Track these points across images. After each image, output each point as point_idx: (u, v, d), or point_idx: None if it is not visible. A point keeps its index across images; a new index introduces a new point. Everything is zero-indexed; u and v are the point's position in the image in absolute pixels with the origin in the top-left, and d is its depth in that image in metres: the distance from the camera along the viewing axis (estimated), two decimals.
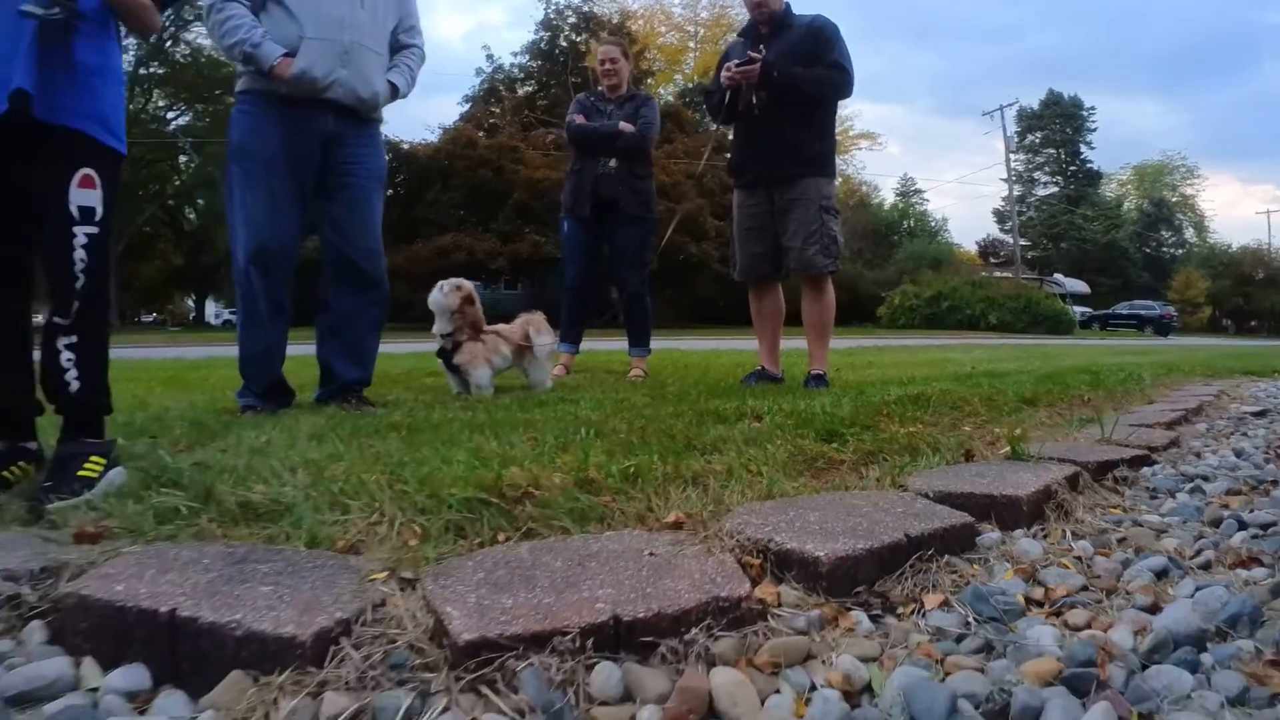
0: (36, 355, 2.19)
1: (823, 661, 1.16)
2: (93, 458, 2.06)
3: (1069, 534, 1.80)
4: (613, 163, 5.31)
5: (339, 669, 1.06)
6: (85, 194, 2.11)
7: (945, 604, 1.37)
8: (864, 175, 53.39)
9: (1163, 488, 2.35)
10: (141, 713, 1.07)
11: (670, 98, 40.99)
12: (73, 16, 2.06)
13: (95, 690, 1.11)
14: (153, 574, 1.30)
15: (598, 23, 38.10)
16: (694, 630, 1.15)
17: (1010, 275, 38.04)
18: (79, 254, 2.09)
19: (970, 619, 1.31)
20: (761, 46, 4.29)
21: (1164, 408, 3.93)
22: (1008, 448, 2.50)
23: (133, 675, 1.13)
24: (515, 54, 40.01)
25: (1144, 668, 1.17)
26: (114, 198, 2.20)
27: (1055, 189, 61.47)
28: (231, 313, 47.30)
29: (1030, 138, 62.35)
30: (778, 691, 1.09)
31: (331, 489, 1.79)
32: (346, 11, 3.40)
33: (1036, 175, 62.98)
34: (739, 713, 1.01)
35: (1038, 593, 1.45)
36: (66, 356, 2.11)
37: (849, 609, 1.33)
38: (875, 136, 51.58)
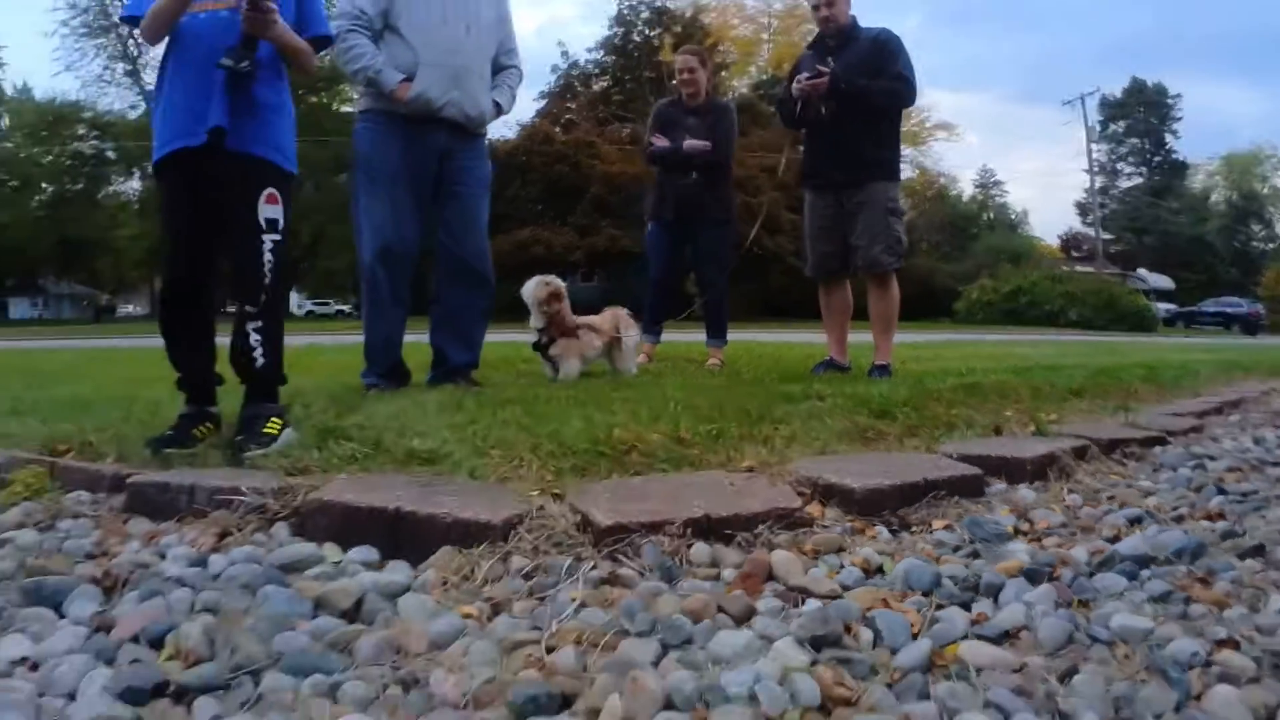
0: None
1: (849, 552, 1.65)
2: (273, 419, 2.62)
3: (1065, 490, 2.23)
4: (694, 175, 5.79)
5: (519, 544, 1.59)
6: (270, 209, 2.67)
7: (948, 527, 1.84)
8: (941, 167, 52.70)
9: (1168, 464, 2.63)
10: (350, 614, 1.59)
11: (745, 90, 41.31)
12: (255, 66, 2.62)
13: (339, 563, 1.64)
14: (367, 489, 1.85)
15: (671, 17, 38.62)
16: (760, 527, 1.66)
17: (1092, 270, 37.34)
18: (267, 257, 2.65)
19: (966, 538, 1.78)
20: (830, 59, 4.69)
21: (1206, 401, 4.17)
22: (1033, 426, 2.93)
23: (366, 553, 1.66)
24: (590, 50, 40.81)
25: (1091, 575, 1.61)
26: (290, 210, 2.78)
27: (1139, 180, 59.54)
28: (315, 304, 49.11)
29: (1113, 127, 60.43)
30: (816, 565, 1.58)
31: (475, 442, 2.32)
32: (456, 39, 3.93)
33: (1120, 166, 61.04)
34: (789, 577, 1.50)
35: (1025, 526, 1.91)
36: (255, 338, 2.69)
37: (874, 525, 1.82)
38: (953, 127, 50.75)
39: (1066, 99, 63.17)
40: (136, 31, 2.75)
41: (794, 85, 4.75)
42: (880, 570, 1.58)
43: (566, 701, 1.09)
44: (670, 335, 6.72)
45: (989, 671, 1.18)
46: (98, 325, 34.43)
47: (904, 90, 4.72)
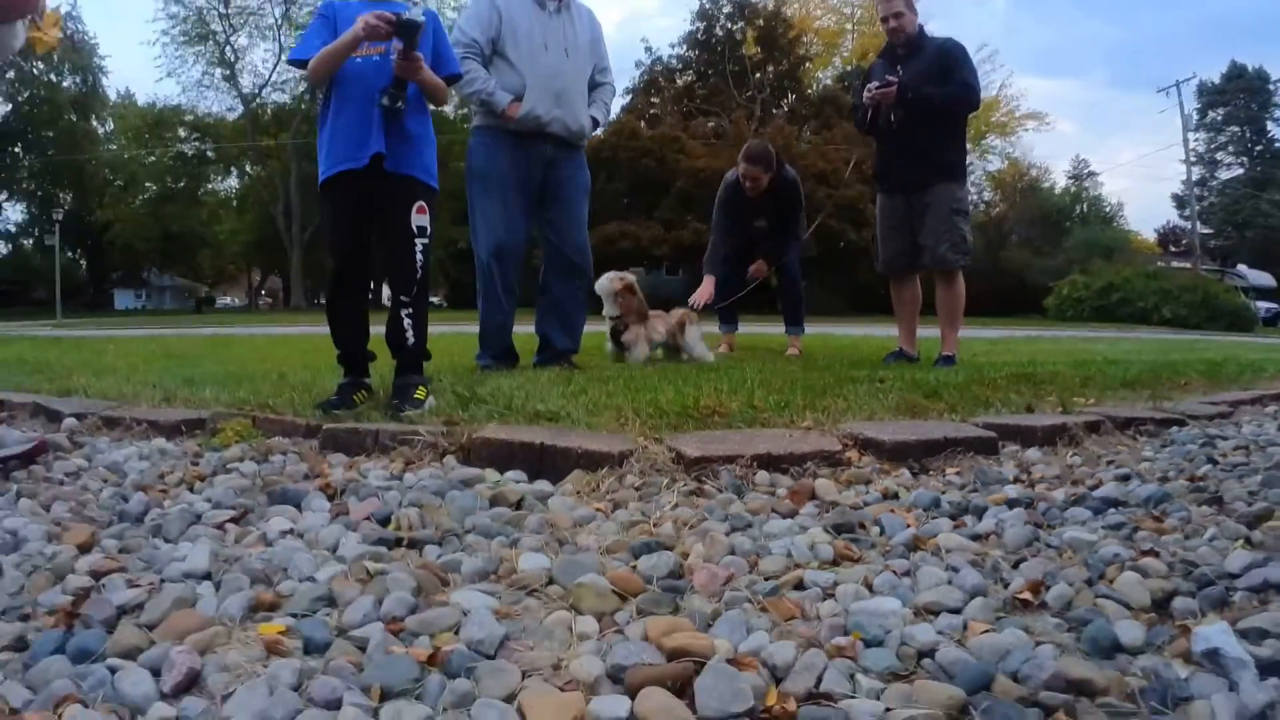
0: None
1: (874, 483, 2.22)
2: (420, 387, 3.28)
3: (1070, 454, 2.72)
4: (762, 222, 6.42)
5: (630, 469, 2.20)
6: (420, 218, 3.33)
7: (959, 472, 2.38)
8: (1033, 157, 51.82)
9: (1178, 440, 2.85)
10: (517, 504, 2.19)
11: (829, 82, 41.45)
12: (405, 103, 3.27)
13: (499, 480, 2.26)
14: (514, 432, 2.48)
15: (753, 11, 38.94)
16: (808, 463, 2.25)
17: (1189, 266, 36.38)
18: (418, 257, 3.31)
19: (970, 480, 2.31)
20: (899, 68, 5.17)
21: (1250, 393, 4.28)
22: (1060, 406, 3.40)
23: (518, 474, 2.29)
24: (673, 45, 41.35)
25: (1064, 509, 2.11)
26: (434, 219, 3.42)
27: (1239, 171, 56.44)
28: None
29: (1211, 115, 57.46)
30: (848, 490, 2.15)
31: (588, 405, 2.94)
32: (557, 63, 4.58)
33: (1219, 156, 57.83)
34: (826, 496, 2.07)
35: (1024, 476, 2.41)
36: (407, 321, 3.34)
37: (899, 467, 2.38)
38: (1043, 116, 49.72)
39: (1161, 86, 60.93)
40: (302, 71, 3.43)
41: (865, 93, 5.26)
42: (895, 495, 2.14)
43: (667, 549, 1.68)
44: (754, 328, 7.28)
45: (956, 552, 1.72)
46: (199, 315, 36.45)
47: (967, 96, 5.19)
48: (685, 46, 40.55)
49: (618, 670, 1.20)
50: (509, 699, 1.13)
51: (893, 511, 1.96)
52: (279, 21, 41.12)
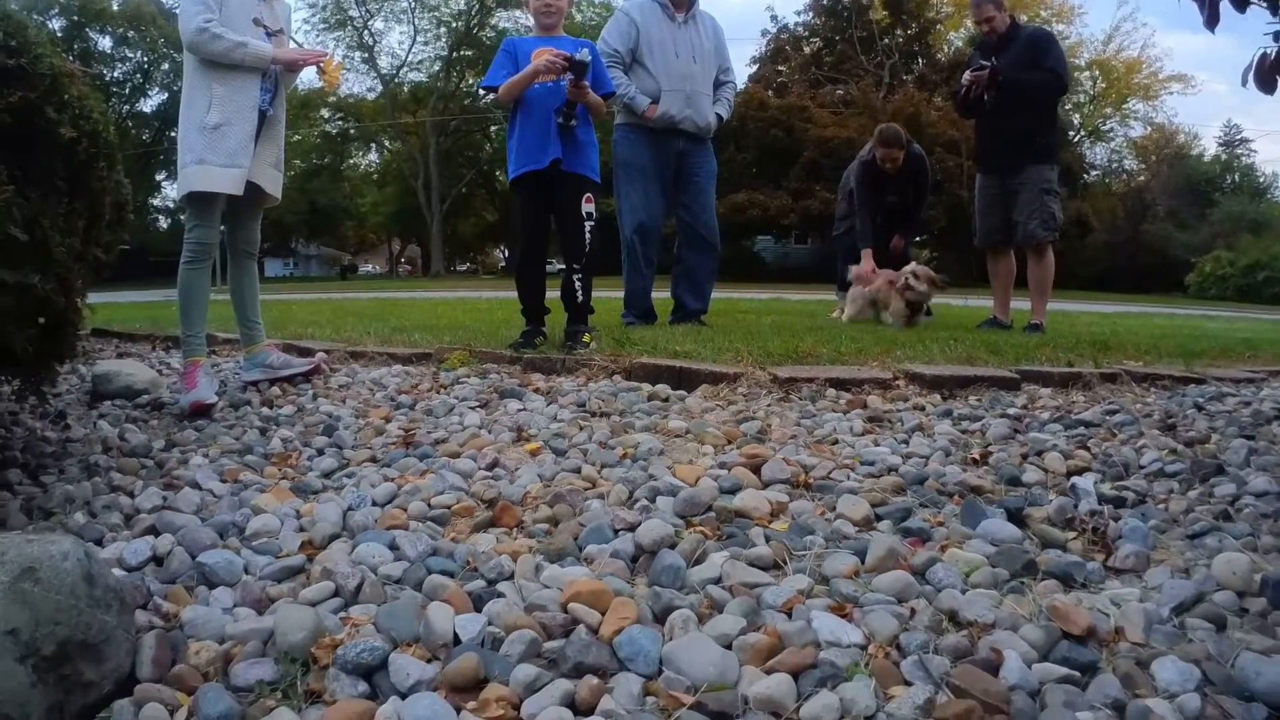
0: None
1: (911, 401, 3.20)
2: (586, 334, 4.39)
3: (1079, 394, 3.59)
4: (894, 196, 7.28)
5: (740, 384, 3.27)
6: (588, 206, 4.42)
7: (979, 399, 3.33)
8: (1179, 122, 49.23)
9: (1191, 395, 3.25)
10: (665, 399, 3.28)
11: (960, 44, 40.85)
12: (575, 120, 4.34)
13: (650, 391, 3.34)
14: (661, 359, 3.58)
15: None
16: (865, 386, 3.26)
17: None
18: (587, 235, 4.40)
19: (986, 404, 3.27)
20: (994, 57, 5.86)
21: None
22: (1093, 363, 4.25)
23: (663, 387, 3.36)
24: (799, 12, 41.28)
25: (1043, 425, 3.01)
26: (595, 205, 4.52)
27: None
28: None
29: None
30: (891, 404, 3.15)
31: (714, 349, 4.00)
32: (687, 69, 5.63)
33: None
34: (878, 407, 3.07)
35: (1029, 405, 3.34)
36: (577, 284, 4.45)
37: (934, 393, 3.35)
38: (1188, 78, 47.37)
39: None
40: (491, 96, 4.56)
41: (962, 78, 6.03)
42: (922, 409, 3.12)
43: (765, 428, 2.73)
44: None
45: (943, 435, 2.71)
46: (345, 281, 39.12)
47: (1055, 82, 5.82)
48: (811, 13, 40.50)
49: (722, 464, 2.30)
50: (668, 469, 2.23)
51: (913, 412, 2.97)
52: (412, 5, 43.38)
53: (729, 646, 1.37)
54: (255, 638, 1.44)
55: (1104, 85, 44.46)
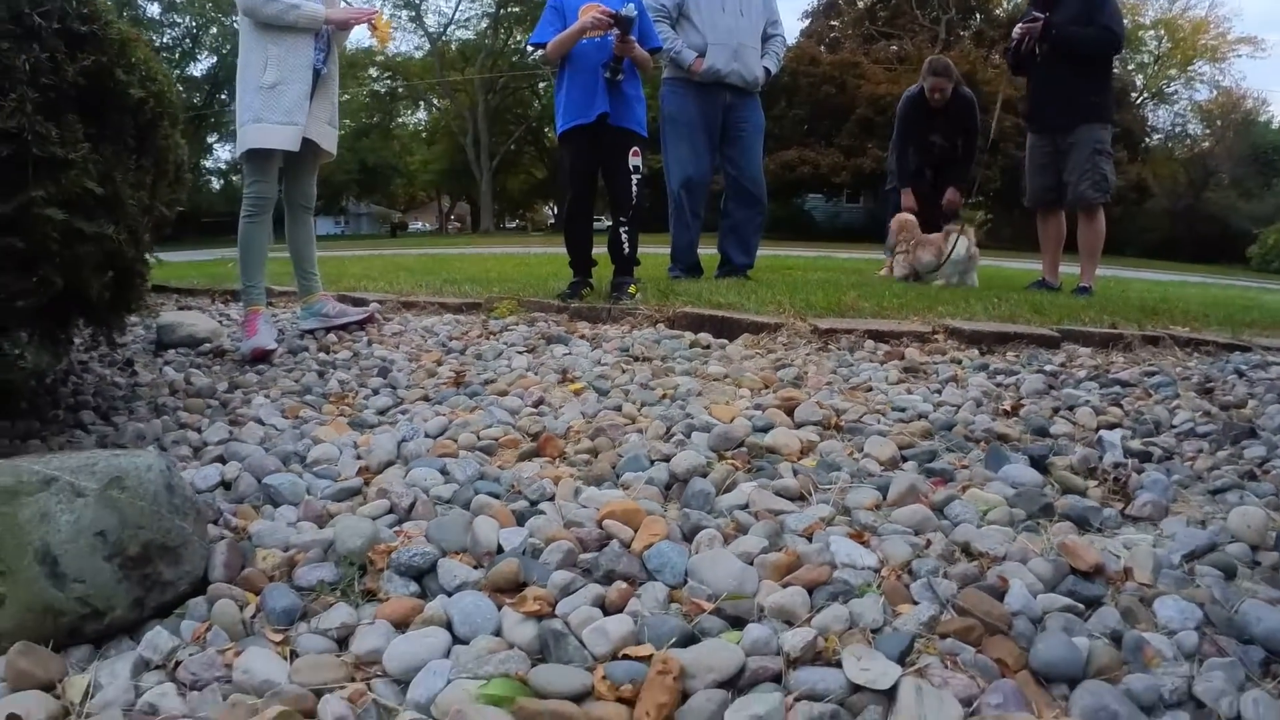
0: None
1: (953, 358, 3.27)
2: (632, 285, 4.51)
3: (1119, 355, 3.61)
4: (938, 137, 7.20)
5: (780, 334, 3.36)
6: (635, 159, 4.51)
7: (1017, 356, 3.38)
8: (1247, 86, 47.35)
9: (1234, 361, 3.21)
10: (706, 347, 3.38)
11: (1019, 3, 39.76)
12: (622, 74, 4.42)
13: (693, 340, 3.45)
14: (703, 309, 3.68)
15: None
16: (904, 338, 3.33)
17: None
18: (634, 188, 4.50)
19: (1024, 360, 3.32)
20: (1047, 11, 5.72)
21: None
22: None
23: (706, 336, 3.48)
24: None
25: (1079, 383, 3.06)
26: (643, 159, 4.60)
27: None
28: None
29: None
30: (931, 360, 3.21)
31: (757, 300, 4.09)
32: (734, 23, 5.64)
33: None
34: (914, 359, 3.15)
35: (1066, 363, 3.38)
36: (624, 236, 4.56)
37: (972, 348, 3.40)
38: (1258, 40, 45.50)
39: None
40: (539, 53, 4.64)
41: (1015, 29, 5.90)
42: (959, 363, 3.19)
43: (801, 375, 2.83)
44: None
45: (976, 387, 2.77)
46: (395, 239, 39.53)
47: (1108, 38, 5.67)
48: None
49: (757, 405, 2.41)
50: (705, 409, 2.35)
51: (949, 365, 3.04)
52: None
53: (750, 563, 1.48)
54: (317, 546, 1.58)
55: (1169, 45, 42.97)
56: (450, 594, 1.42)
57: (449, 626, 1.33)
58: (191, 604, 1.45)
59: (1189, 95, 45.43)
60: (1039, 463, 2.06)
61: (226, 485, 2.02)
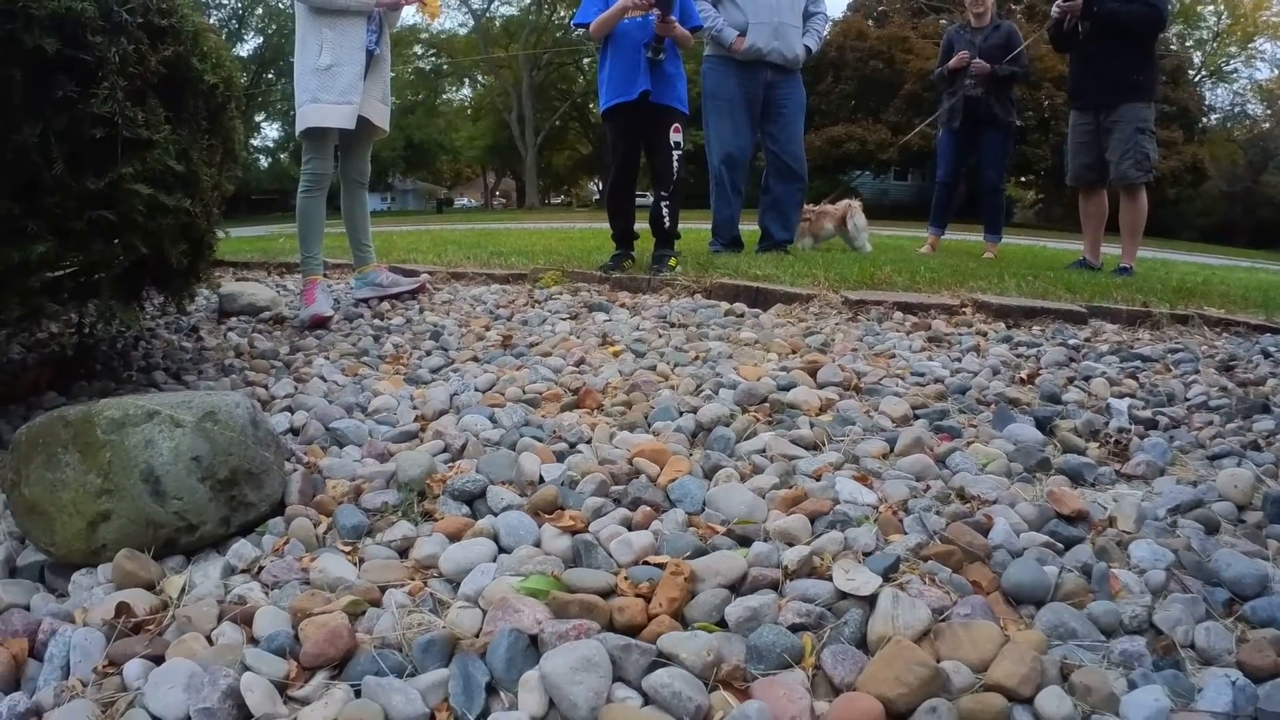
0: None
1: (979, 330, 3.42)
2: (672, 257, 4.69)
3: (1145, 332, 3.73)
4: (980, 90, 7.25)
5: (813, 305, 3.54)
6: (676, 136, 4.68)
7: (1043, 330, 3.52)
8: None
9: (1263, 342, 3.25)
10: (740, 315, 3.57)
11: None
12: (664, 53, 4.59)
13: (729, 309, 3.63)
14: (739, 280, 3.87)
15: None
16: (932, 311, 3.49)
17: None
18: (675, 164, 4.68)
19: (1049, 334, 3.46)
20: None
21: None
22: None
23: (741, 305, 3.66)
24: None
25: (1100, 357, 3.20)
26: (685, 138, 4.78)
27: None
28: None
29: None
30: (956, 331, 3.37)
31: (792, 273, 4.26)
32: (775, 1, 5.73)
33: None
34: (940, 330, 3.31)
35: (1092, 338, 3.52)
36: (665, 210, 4.74)
37: (999, 321, 3.55)
38: None
39: None
40: (582, 31, 4.83)
41: (1054, 7, 5.93)
42: (985, 335, 3.34)
43: (828, 342, 3.01)
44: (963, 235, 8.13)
45: (997, 356, 2.93)
46: (441, 214, 39.99)
47: (1151, 15, 5.62)
48: None
49: (783, 367, 2.59)
50: (734, 369, 2.54)
51: (974, 336, 3.20)
52: None
53: (762, 496, 1.69)
54: (380, 477, 1.82)
55: (1229, 21, 41.91)
56: (497, 514, 1.64)
57: (495, 538, 1.56)
58: (271, 523, 1.69)
59: (1249, 74, 44.68)
60: (1044, 424, 2.21)
61: (295, 431, 2.27)
